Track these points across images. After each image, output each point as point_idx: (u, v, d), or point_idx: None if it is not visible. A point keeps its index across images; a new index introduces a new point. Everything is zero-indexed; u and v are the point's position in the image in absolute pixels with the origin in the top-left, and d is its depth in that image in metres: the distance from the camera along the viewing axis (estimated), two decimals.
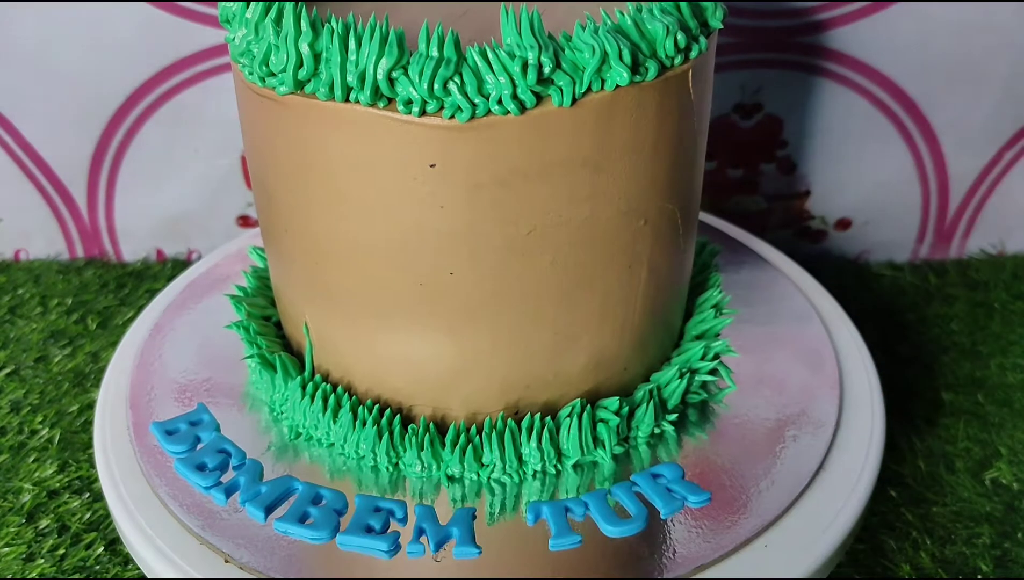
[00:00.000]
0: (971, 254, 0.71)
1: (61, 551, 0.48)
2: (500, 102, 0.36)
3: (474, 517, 0.41)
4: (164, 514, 0.42)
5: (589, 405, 0.44)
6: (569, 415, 0.43)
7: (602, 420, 0.43)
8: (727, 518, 0.41)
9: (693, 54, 0.39)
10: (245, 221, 0.70)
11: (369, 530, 0.40)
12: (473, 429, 0.43)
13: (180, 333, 0.51)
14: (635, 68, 0.37)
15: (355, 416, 0.43)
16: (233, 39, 0.40)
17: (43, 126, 0.66)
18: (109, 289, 0.67)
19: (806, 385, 0.47)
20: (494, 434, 0.42)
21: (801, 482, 0.42)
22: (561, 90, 0.36)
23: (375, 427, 0.43)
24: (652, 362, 0.47)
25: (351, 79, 0.36)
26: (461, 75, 0.36)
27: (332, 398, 0.44)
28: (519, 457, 0.43)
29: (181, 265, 0.70)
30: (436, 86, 0.36)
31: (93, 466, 0.51)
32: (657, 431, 0.45)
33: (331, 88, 0.37)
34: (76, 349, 0.61)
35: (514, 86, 0.36)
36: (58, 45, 0.62)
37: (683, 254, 0.45)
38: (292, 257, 0.44)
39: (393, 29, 0.37)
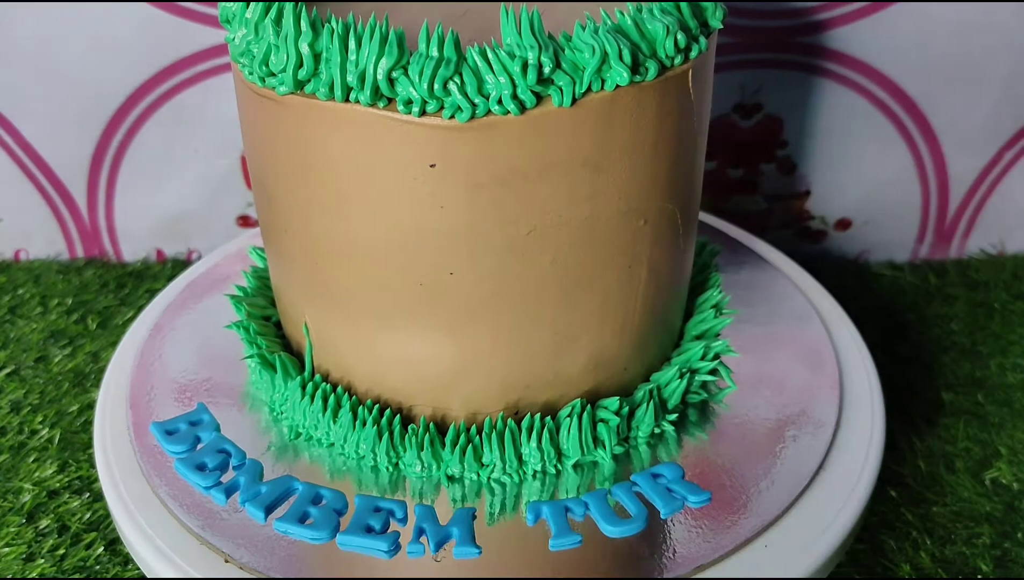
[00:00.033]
0: (971, 254, 0.71)
1: (61, 551, 0.48)
2: (500, 102, 0.36)
3: (474, 517, 0.41)
4: (164, 514, 0.42)
5: (589, 405, 0.44)
6: (569, 415, 0.43)
7: (602, 420, 0.43)
8: (727, 518, 0.41)
9: (693, 54, 0.39)
10: (245, 221, 0.70)
11: (369, 530, 0.40)
12: (473, 429, 0.43)
13: (180, 333, 0.51)
14: (635, 68, 0.37)
15: (355, 416, 0.43)
16: (233, 39, 0.40)
17: (43, 126, 0.66)
18: (109, 289, 0.67)
19: (806, 385, 0.47)
20: (494, 434, 0.42)
21: (801, 482, 0.42)
22: (561, 90, 0.36)
23: (375, 427, 0.43)
24: (652, 362, 0.47)
25: (351, 79, 0.36)
26: (461, 75, 0.36)
27: (332, 398, 0.44)
28: (519, 457, 0.43)
29: (181, 265, 0.70)
30: (436, 86, 0.36)
31: (93, 466, 0.51)
32: (657, 431, 0.45)
33: (331, 88, 0.37)
34: (76, 349, 0.61)
35: (514, 86, 0.36)
36: (58, 45, 0.62)
37: (683, 254, 0.45)
38: (292, 257, 0.44)
39: (393, 29, 0.37)
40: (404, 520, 0.41)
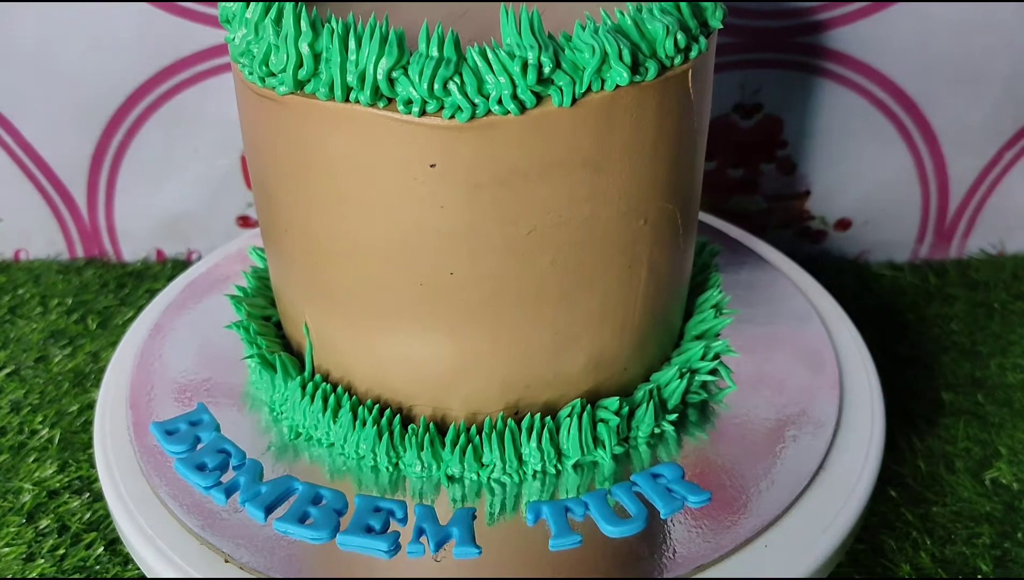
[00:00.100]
0: (971, 254, 0.71)
1: (61, 551, 0.48)
2: (500, 102, 0.36)
3: (474, 517, 0.41)
4: (164, 514, 0.42)
5: (589, 405, 0.44)
6: (569, 415, 0.43)
7: (602, 420, 0.43)
8: (727, 518, 0.41)
9: (693, 54, 0.39)
10: (245, 221, 0.70)
11: (369, 530, 0.40)
12: (473, 429, 0.43)
13: (180, 333, 0.51)
14: (635, 68, 0.37)
15: (355, 416, 0.43)
16: (233, 39, 0.40)
17: (43, 126, 0.66)
18: (109, 289, 0.67)
19: (806, 385, 0.47)
20: (494, 434, 0.42)
21: (801, 482, 0.42)
22: (561, 90, 0.36)
23: (375, 427, 0.43)
24: (652, 362, 0.47)
25: (351, 79, 0.36)
26: (461, 75, 0.36)
27: (332, 398, 0.44)
28: (519, 457, 0.43)
29: (181, 265, 0.70)
30: (436, 86, 0.36)
31: (93, 466, 0.51)
32: (657, 431, 0.45)
33: (331, 88, 0.37)
34: (76, 349, 0.61)
35: (514, 86, 0.36)
36: (58, 45, 0.62)
37: (683, 254, 0.45)
38: (292, 257, 0.44)
39: (393, 29, 0.37)
40: (404, 520, 0.41)
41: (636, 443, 0.44)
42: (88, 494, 0.51)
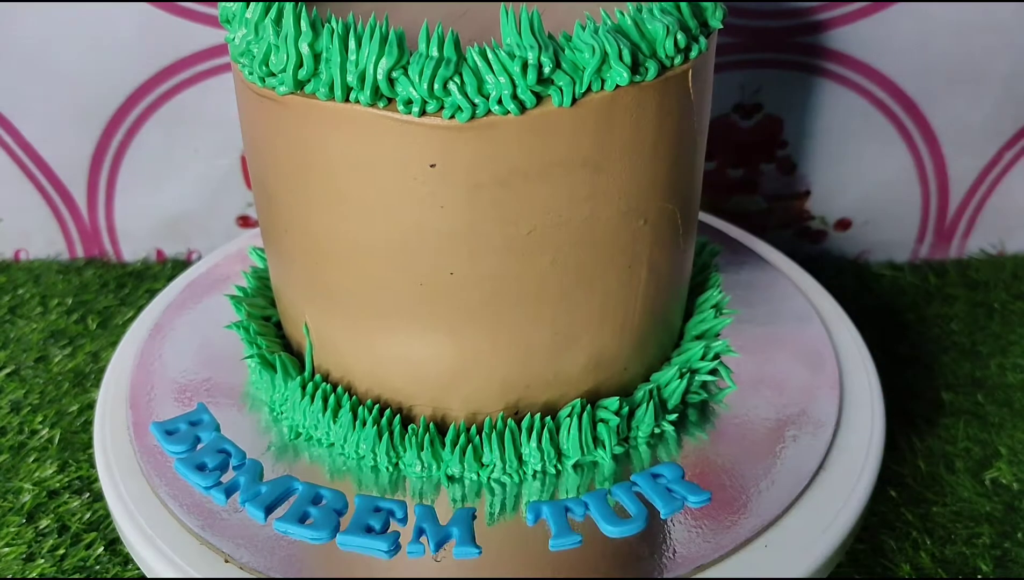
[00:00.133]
0: (971, 254, 0.71)
1: (61, 551, 0.48)
2: (500, 102, 0.36)
3: (474, 517, 0.41)
4: (164, 514, 0.42)
5: (589, 405, 0.44)
6: (569, 415, 0.43)
7: (602, 420, 0.43)
8: (727, 518, 0.41)
9: (693, 54, 0.39)
10: (245, 221, 0.70)
11: (369, 530, 0.40)
12: (473, 429, 0.43)
13: (180, 333, 0.51)
14: (635, 68, 0.37)
15: (355, 416, 0.43)
16: (233, 39, 0.40)
17: (43, 126, 0.66)
18: (109, 289, 0.67)
19: (806, 385, 0.47)
20: (494, 434, 0.42)
21: (801, 482, 0.42)
22: (561, 90, 0.36)
23: (375, 427, 0.43)
24: (652, 362, 0.47)
25: (351, 79, 0.36)
26: (461, 75, 0.36)
27: (332, 398, 0.44)
28: (519, 457, 0.43)
29: (181, 265, 0.70)
30: (436, 86, 0.36)
31: (93, 466, 0.51)
32: (657, 431, 0.45)
33: (331, 88, 0.37)
34: (76, 349, 0.61)
35: (514, 86, 0.36)
36: (58, 45, 0.62)
37: (683, 254, 0.45)
38: (292, 257, 0.44)
39: (393, 29, 0.37)
40: (404, 520, 0.41)
41: (636, 443, 0.44)
42: (88, 494, 0.51)
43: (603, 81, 0.37)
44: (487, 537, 0.40)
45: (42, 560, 0.48)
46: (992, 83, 0.64)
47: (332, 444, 0.44)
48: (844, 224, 0.70)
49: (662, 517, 0.41)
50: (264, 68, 0.38)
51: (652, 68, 0.38)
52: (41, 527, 0.49)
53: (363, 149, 0.38)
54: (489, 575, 0.39)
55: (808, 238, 0.71)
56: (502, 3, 0.39)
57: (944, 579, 0.47)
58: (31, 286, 0.67)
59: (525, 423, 0.43)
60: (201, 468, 0.43)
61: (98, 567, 0.48)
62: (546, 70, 0.36)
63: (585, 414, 0.43)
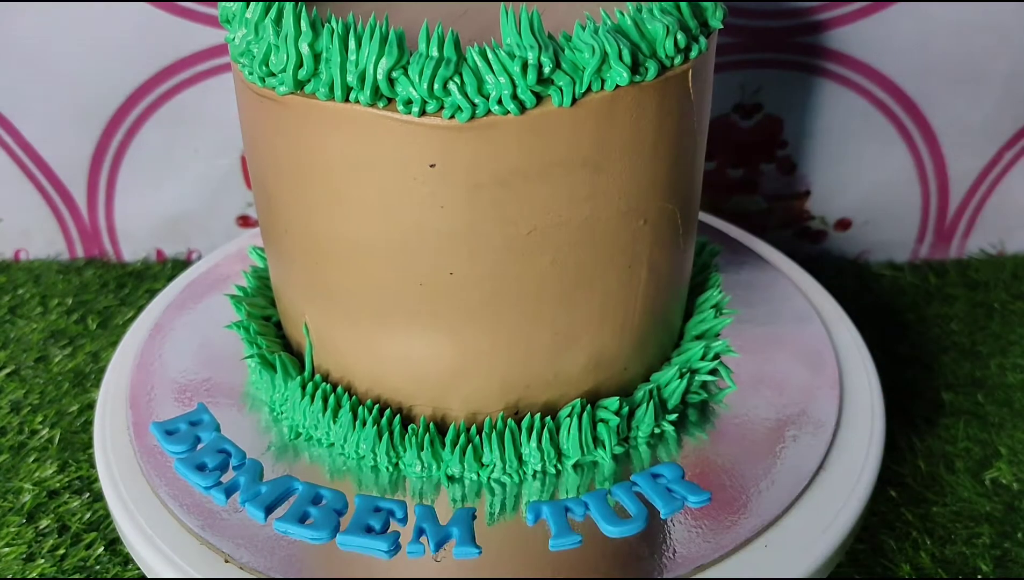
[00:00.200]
0: (971, 254, 0.71)
1: (61, 551, 0.48)
2: (500, 102, 0.36)
3: (474, 517, 0.41)
4: (164, 514, 0.42)
5: (589, 405, 0.44)
6: (569, 415, 0.43)
7: (602, 420, 0.43)
8: (727, 518, 0.41)
9: (693, 54, 0.39)
10: (245, 221, 0.70)
11: (369, 530, 0.40)
12: (473, 429, 0.43)
13: (180, 333, 0.51)
14: (635, 68, 0.37)
15: (355, 416, 0.43)
16: (233, 39, 0.40)
17: (43, 126, 0.66)
18: (109, 289, 0.67)
19: (806, 385, 0.47)
20: (494, 434, 0.42)
21: (801, 482, 0.42)
22: (561, 90, 0.36)
23: (375, 427, 0.43)
24: (652, 362, 0.47)
25: (351, 79, 0.36)
26: (461, 75, 0.36)
27: (332, 398, 0.44)
28: (519, 457, 0.43)
29: (181, 265, 0.70)
30: (436, 86, 0.36)
31: (93, 466, 0.51)
32: (657, 431, 0.45)
33: (331, 88, 0.37)
34: (76, 349, 0.61)
35: (514, 86, 0.36)
36: (58, 45, 0.62)
37: (683, 254, 0.45)
38: (292, 257, 0.44)
39: (393, 29, 0.37)
40: (404, 520, 0.41)
41: (636, 443, 0.44)
42: (88, 494, 0.51)
43: (603, 81, 0.37)
44: (487, 537, 0.40)
45: (42, 560, 0.48)
46: (992, 83, 0.64)
47: (332, 444, 0.44)
48: (844, 224, 0.70)
49: (662, 517, 0.41)
50: (264, 68, 0.38)
51: (652, 68, 0.38)
52: (41, 527, 0.49)
53: (363, 149, 0.38)
54: (489, 575, 0.39)
55: (808, 238, 0.71)
56: (502, 3, 0.39)
57: (944, 579, 0.47)
58: (31, 286, 0.67)
59: (525, 423, 0.43)
60: (201, 468, 0.43)
61: (98, 567, 0.48)
62: (546, 70, 0.36)
63: (585, 414, 0.43)
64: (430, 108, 0.36)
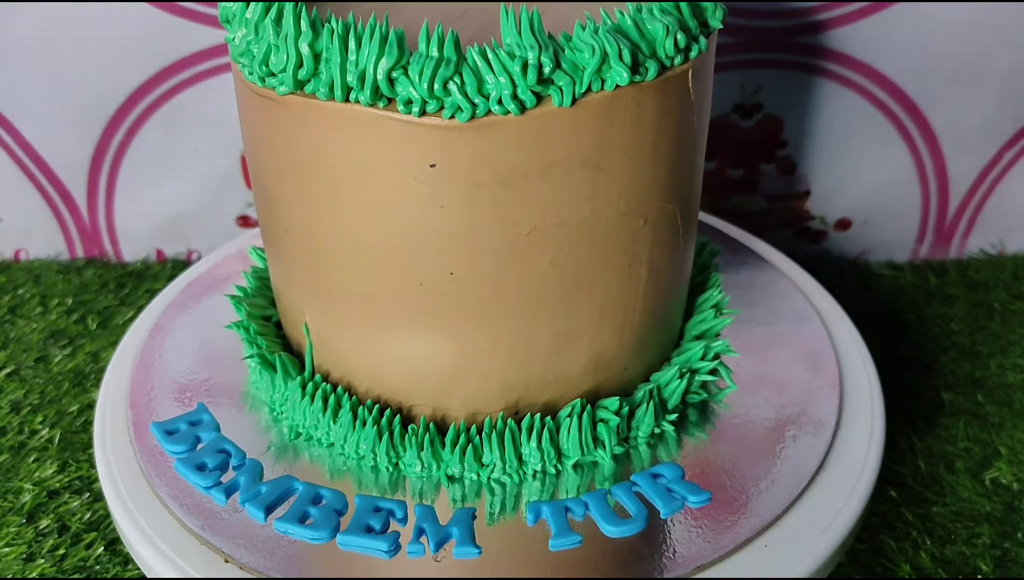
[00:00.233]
0: (971, 254, 0.71)
1: (61, 551, 0.48)
2: (500, 102, 0.36)
3: (474, 517, 0.41)
4: (164, 514, 0.42)
5: (589, 405, 0.44)
6: (569, 415, 0.43)
7: (602, 420, 0.43)
8: (727, 518, 0.41)
9: (693, 54, 0.39)
10: (245, 221, 0.70)
11: (369, 530, 0.40)
12: (473, 429, 0.43)
13: (180, 333, 0.51)
14: (635, 68, 0.37)
15: (355, 416, 0.43)
16: (233, 39, 0.40)
17: (43, 126, 0.66)
18: (109, 289, 0.67)
19: (806, 385, 0.47)
20: (494, 434, 0.42)
21: (801, 482, 0.42)
22: (561, 90, 0.36)
23: (375, 427, 0.43)
24: (652, 362, 0.47)
25: (351, 79, 0.36)
26: (461, 75, 0.36)
27: (332, 398, 0.44)
28: (519, 457, 0.43)
29: (181, 265, 0.70)
30: (436, 86, 0.36)
31: (93, 466, 0.51)
32: (657, 431, 0.45)
33: (331, 88, 0.37)
34: (76, 349, 0.61)
35: (514, 86, 0.36)
36: (58, 45, 0.62)
37: (683, 254, 0.45)
38: (292, 257, 0.44)
39: (393, 29, 0.37)
40: (404, 520, 0.41)
41: (636, 443, 0.44)
42: (88, 494, 0.51)
43: (603, 81, 0.37)
44: (487, 537, 0.40)
45: (42, 560, 0.48)
46: (992, 83, 0.64)
47: (332, 444, 0.44)
48: (844, 224, 0.70)
49: (662, 517, 0.41)
50: (264, 68, 0.38)
51: (652, 68, 0.38)
52: (41, 527, 0.49)
53: (363, 149, 0.38)
54: (489, 575, 0.39)
55: (808, 238, 0.71)
56: (502, 3, 0.39)
57: (944, 579, 0.47)
58: (31, 286, 0.67)
59: (525, 423, 0.43)
60: (201, 468, 0.43)
61: (98, 567, 0.48)
62: (546, 70, 0.36)
63: (585, 414, 0.43)
64: (430, 108, 0.36)
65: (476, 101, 0.36)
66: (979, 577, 0.47)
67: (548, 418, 0.43)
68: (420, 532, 0.40)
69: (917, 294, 0.67)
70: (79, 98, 0.64)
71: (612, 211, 0.40)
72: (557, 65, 0.36)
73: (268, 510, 0.41)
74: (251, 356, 0.47)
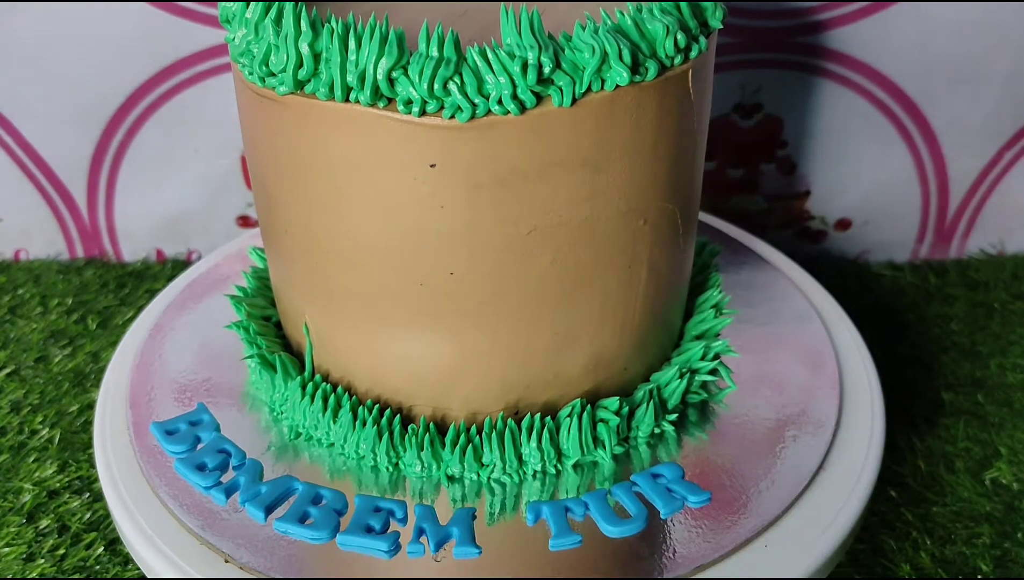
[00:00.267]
0: (971, 254, 0.71)
1: (61, 551, 0.48)
2: (500, 102, 0.36)
3: (474, 517, 0.41)
4: (164, 514, 0.42)
5: (589, 405, 0.44)
6: (569, 415, 0.43)
7: (602, 420, 0.43)
8: (727, 518, 0.41)
9: (693, 54, 0.39)
10: (245, 221, 0.70)
11: (369, 530, 0.40)
12: (473, 429, 0.43)
13: (180, 333, 0.51)
14: (635, 68, 0.37)
15: (355, 416, 0.43)
16: (233, 39, 0.40)
17: (43, 126, 0.66)
18: (109, 289, 0.67)
19: (806, 385, 0.47)
20: (494, 434, 0.42)
21: (801, 482, 0.42)
22: (561, 90, 0.36)
23: (375, 427, 0.43)
24: (652, 362, 0.47)
25: (351, 79, 0.36)
26: (461, 75, 0.36)
27: (332, 398, 0.44)
28: (519, 457, 0.43)
29: (181, 265, 0.70)
30: (436, 86, 0.36)
31: (93, 466, 0.51)
32: (657, 431, 0.45)
33: (331, 88, 0.37)
34: (76, 349, 0.61)
35: (514, 86, 0.36)
36: (58, 45, 0.62)
37: (683, 254, 0.45)
38: (292, 257, 0.44)
39: (393, 29, 0.37)
40: (404, 520, 0.41)
41: (636, 443, 0.44)
42: (88, 494, 0.51)
43: (603, 81, 0.37)
44: (487, 537, 0.40)
45: (42, 560, 0.48)
46: (992, 83, 0.64)
47: (332, 444, 0.44)
48: (844, 224, 0.70)
49: (662, 517, 0.41)
50: (264, 68, 0.38)
51: (652, 68, 0.38)
52: (41, 527, 0.49)
53: (363, 149, 0.38)
54: (489, 575, 0.39)
55: (808, 238, 0.71)
56: (502, 3, 0.39)
57: (944, 579, 0.47)
58: (31, 286, 0.67)
59: (525, 423, 0.43)
60: (201, 468, 0.43)
61: (98, 567, 0.48)
62: (546, 70, 0.36)
63: (585, 414, 0.43)
64: (430, 108, 0.36)
65: (476, 101, 0.36)
66: (979, 577, 0.47)
67: (548, 418, 0.43)
68: (420, 532, 0.40)
69: (917, 294, 0.67)
70: (79, 98, 0.64)
71: (612, 211, 0.40)
72: (557, 65, 0.36)
73: (268, 510, 0.41)
74: (251, 356, 0.47)
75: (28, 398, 0.58)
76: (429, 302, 0.40)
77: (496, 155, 0.37)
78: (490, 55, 0.36)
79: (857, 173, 0.68)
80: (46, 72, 0.63)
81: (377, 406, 0.44)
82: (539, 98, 0.36)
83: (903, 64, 0.63)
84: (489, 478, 0.43)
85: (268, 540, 0.40)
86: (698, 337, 0.48)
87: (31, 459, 0.53)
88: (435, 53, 0.36)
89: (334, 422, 0.43)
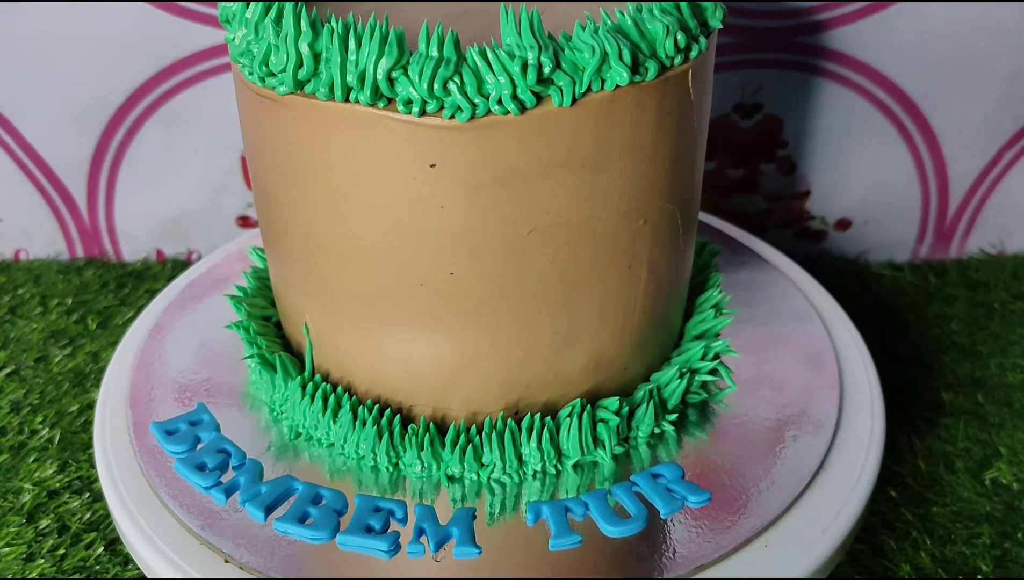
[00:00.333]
0: (971, 254, 0.71)
1: (61, 551, 0.48)
2: (500, 102, 0.36)
3: (474, 517, 0.41)
4: (164, 514, 0.42)
5: (589, 405, 0.44)
6: (569, 415, 0.43)
7: (602, 420, 0.43)
8: (727, 518, 0.41)
9: (693, 54, 0.39)
10: (245, 221, 0.70)
11: (369, 530, 0.40)
12: (473, 429, 0.43)
13: (180, 333, 0.51)
14: (635, 68, 0.37)
15: (355, 416, 0.43)
16: (233, 39, 0.40)
17: (43, 126, 0.66)
18: (109, 289, 0.67)
19: (806, 385, 0.47)
20: (494, 434, 0.42)
21: (801, 482, 0.42)
22: (561, 90, 0.36)
23: (375, 427, 0.43)
24: (652, 362, 0.47)
25: (351, 79, 0.36)
26: (461, 75, 0.36)
27: (332, 398, 0.44)
28: (519, 457, 0.43)
29: (181, 265, 0.70)
30: (436, 86, 0.36)
31: (93, 466, 0.51)
32: (657, 431, 0.45)
33: (331, 88, 0.37)
34: (76, 349, 0.61)
35: (514, 86, 0.36)
36: (58, 45, 0.62)
37: (683, 254, 0.45)
38: (292, 257, 0.44)
39: (393, 29, 0.37)
40: (404, 520, 0.41)
41: (636, 443, 0.44)
42: (88, 494, 0.51)
43: (603, 81, 0.37)
44: (487, 537, 0.40)
45: (42, 560, 0.48)
46: (992, 83, 0.64)
47: (332, 444, 0.44)
48: (844, 224, 0.70)
49: (662, 517, 0.41)
50: (264, 68, 0.38)
51: (652, 68, 0.38)
52: (41, 527, 0.50)
53: (363, 149, 0.38)
54: (489, 575, 0.39)
55: (808, 238, 0.71)
56: (502, 3, 0.39)
57: (944, 579, 0.47)
58: (31, 286, 0.67)
59: (525, 423, 0.43)
60: (201, 468, 0.43)
61: (98, 567, 0.48)
62: (546, 70, 0.36)
63: (585, 414, 0.43)
64: (430, 108, 0.36)
65: (476, 101, 0.36)
66: (979, 577, 0.47)
67: (548, 418, 0.43)
68: (420, 532, 0.40)
69: (917, 294, 0.67)
70: (79, 98, 0.64)
71: (612, 211, 0.40)
72: (557, 65, 0.36)
73: (268, 510, 0.41)
74: (251, 356, 0.47)
75: (28, 398, 0.58)
76: (429, 302, 0.40)
77: (496, 155, 0.37)
78: (490, 55, 0.36)
79: (857, 173, 0.68)
80: (46, 72, 0.63)
81: (377, 406, 0.44)
82: (539, 98, 0.36)
83: (903, 64, 0.63)
84: (489, 478, 0.43)
85: (268, 540, 0.40)
86: (698, 337, 0.48)
87: (31, 459, 0.53)
88: (435, 53, 0.36)
89: (334, 422, 0.43)
